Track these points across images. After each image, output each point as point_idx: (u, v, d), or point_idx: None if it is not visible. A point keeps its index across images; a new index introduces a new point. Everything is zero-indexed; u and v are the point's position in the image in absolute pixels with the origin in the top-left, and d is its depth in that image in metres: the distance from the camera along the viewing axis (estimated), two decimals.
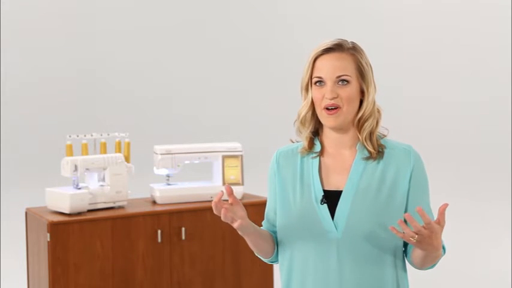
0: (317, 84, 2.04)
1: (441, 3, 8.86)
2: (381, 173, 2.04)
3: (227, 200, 2.10)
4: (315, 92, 2.04)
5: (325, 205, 2.03)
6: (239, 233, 2.02)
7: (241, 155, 4.03)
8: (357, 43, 2.09)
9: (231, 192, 1.97)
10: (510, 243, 5.96)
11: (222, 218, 1.95)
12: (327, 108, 2.01)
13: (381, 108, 2.08)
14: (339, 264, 2.01)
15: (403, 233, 1.84)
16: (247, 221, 2.00)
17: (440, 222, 1.85)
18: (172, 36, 10.29)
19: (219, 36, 10.19)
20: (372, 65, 2.09)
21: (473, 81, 8.63)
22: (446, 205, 1.84)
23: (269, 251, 2.14)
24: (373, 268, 2.01)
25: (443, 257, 2.08)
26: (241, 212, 1.99)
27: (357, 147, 2.06)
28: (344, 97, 2.01)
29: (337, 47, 2.04)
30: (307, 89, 2.07)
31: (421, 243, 1.87)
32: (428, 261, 2.03)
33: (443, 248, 2.08)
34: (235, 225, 1.96)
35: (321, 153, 2.09)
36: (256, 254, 2.20)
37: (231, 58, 10.12)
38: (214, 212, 1.96)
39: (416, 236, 1.84)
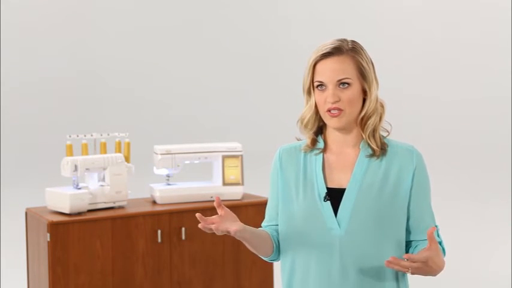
0: (319, 88, 2.05)
1: (441, 3, 8.86)
2: (384, 171, 2.05)
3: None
4: (318, 96, 2.05)
5: (328, 202, 2.04)
6: (237, 238, 2.00)
7: (241, 155, 4.03)
8: (357, 41, 2.09)
9: (219, 204, 1.97)
10: (510, 244, 5.95)
11: (216, 233, 1.94)
12: (330, 111, 2.03)
13: (384, 102, 2.08)
14: (341, 261, 2.02)
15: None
16: (241, 225, 1.98)
17: (432, 247, 1.88)
18: (172, 37, 10.28)
19: (218, 36, 10.19)
20: (372, 61, 2.08)
21: (473, 81, 8.63)
22: (433, 229, 1.87)
23: (268, 251, 2.13)
24: (374, 265, 2.02)
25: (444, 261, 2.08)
26: (233, 219, 1.98)
27: (360, 146, 2.07)
28: (346, 100, 2.02)
29: (336, 51, 2.03)
30: (309, 93, 2.08)
31: (419, 272, 1.91)
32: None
33: (443, 250, 2.08)
34: (231, 232, 1.94)
35: (324, 150, 2.10)
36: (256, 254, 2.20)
37: (231, 58, 10.11)
38: (206, 231, 1.95)
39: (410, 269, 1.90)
